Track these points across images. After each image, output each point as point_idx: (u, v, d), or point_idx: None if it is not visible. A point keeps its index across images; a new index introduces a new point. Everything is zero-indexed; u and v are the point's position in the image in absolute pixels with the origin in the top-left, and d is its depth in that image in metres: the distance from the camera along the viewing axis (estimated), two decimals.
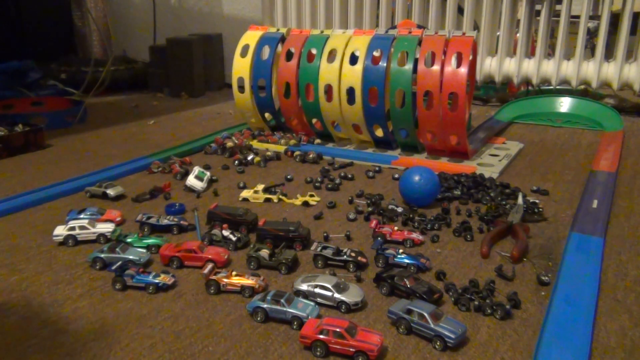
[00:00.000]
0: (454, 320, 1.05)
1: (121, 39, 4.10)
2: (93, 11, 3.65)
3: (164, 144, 2.35)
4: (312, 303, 1.12)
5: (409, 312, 1.04)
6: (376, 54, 2.11)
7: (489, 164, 2.02)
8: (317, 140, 2.32)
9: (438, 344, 1.00)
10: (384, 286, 1.19)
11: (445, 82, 1.93)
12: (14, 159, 2.18)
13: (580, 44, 2.79)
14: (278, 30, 2.39)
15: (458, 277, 1.26)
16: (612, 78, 2.75)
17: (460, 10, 2.98)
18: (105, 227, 1.45)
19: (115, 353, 1.00)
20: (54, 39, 3.89)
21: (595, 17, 3.30)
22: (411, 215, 1.57)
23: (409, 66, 2.00)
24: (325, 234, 1.46)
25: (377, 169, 2.01)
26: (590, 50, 3.29)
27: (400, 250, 1.32)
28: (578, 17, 2.78)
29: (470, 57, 1.95)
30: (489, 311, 1.10)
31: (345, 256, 1.29)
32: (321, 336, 0.99)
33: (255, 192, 1.73)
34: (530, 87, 3.09)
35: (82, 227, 1.43)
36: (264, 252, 1.30)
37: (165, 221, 1.50)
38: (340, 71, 2.12)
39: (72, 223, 1.44)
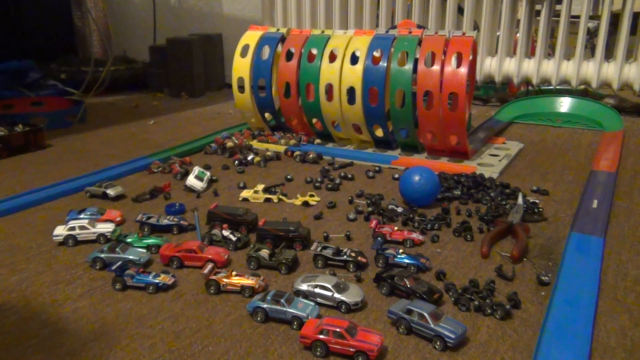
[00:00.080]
0: (454, 320, 1.05)
1: (121, 39, 4.10)
2: (93, 11, 3.65)
3: (164, 144, 2.35)
4: (312, 303, 1.12)
5: (409, 312, 1.04)
6: (376, 54, 2.11)
7: (489, 164, 2.02)
8: (317, 140, 2.32)
9: (438, 344, 1.00)
10: (384, 286, 1.19)
11: (445, 82, 1.93)
12: (14, 159, 2.19)
13: (580, 44, 2.79)
14: (278, 30, 2.39)
15: (458, 277, 1.26)
16: (612, 78, 2.75)
17: (460, 10, 2.98)
18: (105, 227, 1.45)
19: (115, 353, 1.00)
20: (54, 39, 3.89)
21: (595, 17, 3.30)
22: (411, 215, 1.57)
23: (409, 66, 2.00)
24: (325, 234, 1.46)
25: (377, 169, 2.01)
26: (590, 50, 3.29)
27: (400, 250, 1.32)
28: (578, 17, 2.78)
29: (470, 57, 1.95)
30: (489, 311, 1.10)
31: (345, 256, 1.29)
32: (321, 336, 0.99)
33: (255, 192, 1.73)
34: (530, 87, 3.09)
35: (82, 227, 1.43)
36: (264, 252, 1.30)
37: (165, 221, 1.50)
38: (341, 71, 2.12)
39: (72, 223, 1.44)
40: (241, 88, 2.39)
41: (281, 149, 2.23)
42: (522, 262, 1.32)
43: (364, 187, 1.83)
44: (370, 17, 3.16)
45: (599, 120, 2.61)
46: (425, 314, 1.03)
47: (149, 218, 1.51)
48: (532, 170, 2.00)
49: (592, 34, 3.39)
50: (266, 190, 1.73)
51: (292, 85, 2.24)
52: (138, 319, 1.10)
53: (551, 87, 2.97)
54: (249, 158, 2.10)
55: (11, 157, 2.20)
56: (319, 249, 1.32)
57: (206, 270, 1.22)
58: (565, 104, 2.76)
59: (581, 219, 1.53)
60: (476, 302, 1.12)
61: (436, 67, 1.94)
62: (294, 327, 1.07)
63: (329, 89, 2.16)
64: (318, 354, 0.99)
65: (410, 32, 2.09)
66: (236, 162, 2.07)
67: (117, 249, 1.32)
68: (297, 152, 2.15)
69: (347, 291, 1.14)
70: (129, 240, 1.40)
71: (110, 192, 1.73)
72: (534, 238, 1.45)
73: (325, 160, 2.13)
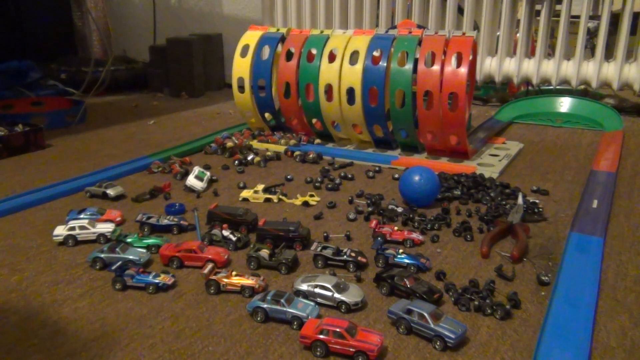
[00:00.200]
0: (454, 320, 1.05)
1: (121, 39, 4.10)
2: (93, 11, 3.65)
3: (164, 144, 2.35)
4: (312, 303, 1.12)
5: (409, 312, 1.04)
6: (376, 54, 2.11)
7: (489, 164, 2.02)
8: (317, 140, 2.32)
9: (438, 344, 1.00)
10: (384, 286, 1.19)
11: (445, 82, 1.93)
12: (14, 159, 2.19)
13: (580, 44, 2.79)
14: (278, 30, 2.39)
15: (458, 277, 1.26)
16: (612, 78, 2.75)
17: (460, 10, 2.98)
18: (105, 227, 1.45)
19: (115, 353, 1.00)
20: (54, 39, 3.89)
21: (595, 17, 3.30)
22: (411, 215, 1.57)
23: (409, 66, 2.00)
24: (325, 234, 1.46)
25: (377, 169, 2.01)
26: (590, 50, 3.29)
27: (400, 250, 1.32)
28: (578, 17, 2.78)
29: (470, 57, 1.95)
30: (489, 311, 1.10)
31: (345, 256, 1.29)
32: (321, 336, 0.99)
33: (255, 192, 1.73)
34: (530, 87, 3.09)
35: (82, 227, 1.43)
36: (264, 252, 1.30)
37: (165, 221, 1.50)
38: (341, 71, 2.12)
39: (72, 223, 1.44)
40: (241, 88, 2.39)
41: (281, 149, 2.23)
42: (522, 262, 1.32)
43: (364, 187, 1.83)
44: (370, 17, 3.16)
45: (599, 120, 2.61)
46: (425, 314, 1.03)
47: (149, 218, 1.51)
48: (532, 170, 2.00)
49: (592, 34, 3.39)
50: (266, 190, 1.73)
51: (292, 85, 2.24)
52: (138, 319, 1.10)
53: (551, 87, 2.97)
54: (249, 158, 2.10)
55: (11, 157, 2.20)
56: (319, 249, 1.32)
57: (206, 270, 1.22)
58: (565, 104, 2.76)
59: (581, 219, 1.53)
60: (476, 302, 1.12)
61: (436, 67, 1.94)
62: (294, 327, 1.07)
63: (329, 89, 2.16)
64: (318, 354, 0.99)
65: (410, 32, 2.09)
66: (236, 162, 2.07)
67: (117, 249, 1.32)
68: (297, 152, 2.15)
69: (347, 291, 1.14)
70: (129, 240, 1.40)
71: (110, 192, 1.73)
72: (534, 238, 1.45)
73: (325, 160, 2.13)
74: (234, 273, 1.21)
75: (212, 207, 1.54)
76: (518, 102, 2.85)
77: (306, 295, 1.15)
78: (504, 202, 1.64)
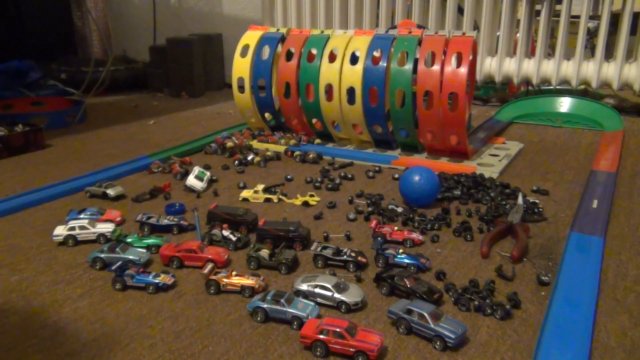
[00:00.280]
0: (454, 320, 1.05)
1: (121, 39, 4.10)
2: (93, 11, 3.65)
3: (164, 144, 2.35)
4: (312, 303, 1.12)
5: (409, 312, 1.04)
6: (376, 54, 2.11)
7: (489, 164, 2.02)
8: (317, 140, 2.32)
9: (438, 344, 1.00)
10: (384, 286, 1.19)
11: (445, 82, 1.93)
12: (14, 159, 2.19)
13: (580, 44, 2.79)
14: (278, 30, 2.39)
15: (458, 277, 1.26)
16: (612, 78, 2.75)
17: (460, 10, 2.98)
18: (105, 227, 1.45)
19: (115, 353, 1.00)
20: (54, 39, 3.89)
21: (595, 17, 3.30)
22: (411, 215, 1.57)
23: (409, 66, 2.00)
24: (325, 234, 1.46)
25: (377, 169, 2.01)
26: (590, 50, 3.29)
27: (400, 250, 1.32)
28: (578, 17, 2.78)
29: (470, 57, 1.95)
30: (489, 311, 1.10)
31: (345, 256, 1.29)
32: (321, 336, 0.99)
33: (255, 192, 1.73)
34: (530, 87, 3.09)
35: (82, 227, 1.43)
36: (264, 252, 1.30)
37: (165, 221, 1.50)
38: (341, 71, 2.12)
39: (72, 223, 1.44)
40: (241, 88, 2.39)
41: (281, 149, 2.23)
42: (522, 262, 1.32)
43: (364, 187, 1.83)
44: (370, 17, 3.16)
45: (599, 120, 2.61)
46: (425, 314, 1.03)
47: (149, 218, 1.51)
48: (532, 170, 2.00)
49: (592, 34, 3.39)
50: (266, 190, 1.73)
51: (292, 85, 2.24)
52: (138, 319, 1.10)
53: (551, 87, 2.97)
54: (249, 158, 2.10)
55: (11, 157, 2.20)
56: (319, 249, 1.32)
57: (206, 270, 1.22)
58: (565, 104, 2.76)
59: (581, 219, 1.53)
60: (476, 302, 1.12)
61: (436, 67, 1.94)
62: (294, 327, 1.07)
63: (329, 89, 2.16)
64: (318, 354, 0.99)
65: (410, 32, 2.09)
66: (236, 162, 2.07)
67: (117, 249, 1.32)
68: (297, 152, 2.15)
69: (347, 291, 1.14)
70: (129, 240, 1.40)
71: (110, 192, 1.73)
72: (534, 238, 1.45)
73: (325, 160, 2.13)
74: (234, 273, 1.21)
75: (212, 207, 1.54)
76: (518, 102, 2.85)
77: (306, 295, 1.15)
78: (504, 202, 1.64)
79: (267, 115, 2.46)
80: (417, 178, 1.64)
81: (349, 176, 1.92)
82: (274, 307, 1.08)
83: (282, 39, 2.35)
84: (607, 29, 2.72)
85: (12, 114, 2.64)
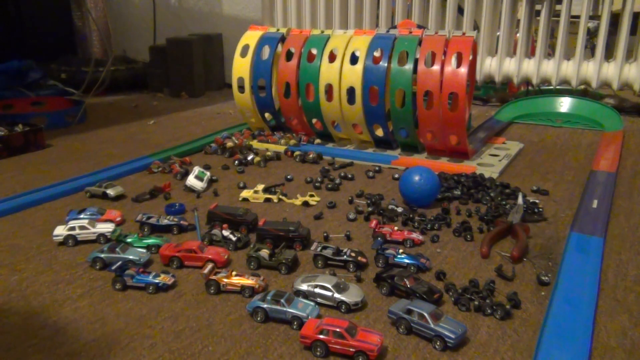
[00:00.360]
0: (454, 320, 1.05)
1: (121, 39, 4.10)
2: (93, 11, 3.65)
3: (164, 144, 2.35)
4: (312, 303, 1.12)
5: (409, 312, 1.04)
6: (376, 54, 2.11)
7: (489, 164, 2.02)
8: (317, 140, 2.32)
9: (438, 344, 1.00)
10: (384, 286, 1.19)
11: (445, 82, 1.93)
12: (14, 159, 2.19)
13: (580, 44, 2.79)
14: (278, 30, 2.39)
15: (458, 277, 1.26)
16: (612, 78, 2.75)
17: (460, 10, 2.98)
18: (105, 227, 1.45)
19: (115, 353, 1.00)
20: (54, 39, 3.89)
21: (595, 17, 3.30)
22: (411, 215, 1.57)
23: (409, 66, 2.00)
24: (325, 234, 1.46)
25: (377, 169, 2.01)
26: (590, 50, 3.29)
27: (400, 250, 1.32)
28: (578, 17, 2.78)
29: (470, 57, 1.95)
30: (489, 311, 1.10)
31: (345, 256, 1.29)
32: (321, 336, 0.99)
33: (255, 192, 1.73)
34: (530, 87, 3.09)
35: (82, 227, 1.43)
36: (264, 252, 1.30)
37: (165, 221, 1.50)
38: (341, 71, 2.12)
39: (72, 223, 1.44)
40: (241, 88, 2.39)
41: (281, 149, 2.23)
42: (522, 262, 1.32)
43: (364, 187, 1.83)
44: (370, 17, 3.16)
45: (599, 120, 2.61)
46: (425, 314, 1.03)
47: (149, 218, 1.51)
48: (532, 170, 2.00)
49: (592, 34, 3.39)
50: (266, 190, 1.73)
51: (292, 85, 2.24)
52: (138, 319, 1.10)
53: (551, 87, 2.96)
54: (249, 158, 2.10)
55: (11, 157, 2.20)
56: (319, 249, 1.32)
57: (206, 270, 1.22)
58: (565, 104, 2.76)
59: (581, 219, 1.53)
60: (476, 302, 1.12)
61: (436, 67, 1.94)
62: (294, 327, 1.07)
63: (329, 89, 2.16)
64: (318, 354, 0.99)
65: (410, 32, 2.09)
66: (236, 162, 2.07)
67: (117, 249, 1.32)
68: (297, 152, 2.15)
69: (347, 291, 1.14)
70: (129, 240, 1.40)
71: (110, 192, 1.73)
72: (534, 238, 1.45)
73: (325, 160, 2.13)
74: (234, 273, 1.21)
75: (212, 207, 1.54)
76: (518, 102, 2.85)
77: (306, 295, 1.15)
78: (504, 202, 1.64)
79: (267, 115, 2.46)
80: (417, 178, 1.64)
81: (349, 176, 1.92)
82: (274, 307, 1.08)
83: (282, 39, 2.35)
84: (607, 29, 2.72)
85: (12, 114, 2.64)
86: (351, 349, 0.98)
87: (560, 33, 2.79)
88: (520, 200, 1.56)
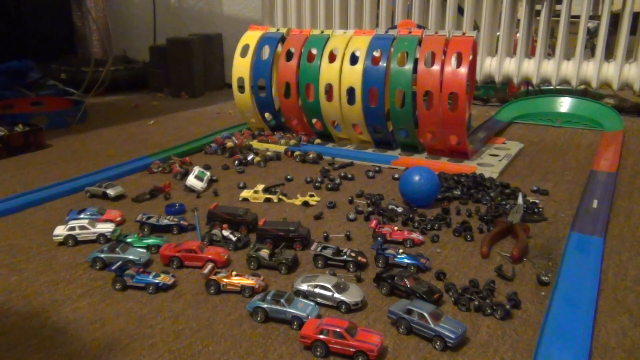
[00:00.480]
0: (454, 320, 1.05)
1: (121, 39, 4.10)
2: (93, 11, 3.65)
3: (164, 144, 2.35)
4: (312, 303, 1.12)
5: (409, 312, 1.04)
6: (376, 54, 2.11)
7: (489, 164, 2.02)
8: (317, 140, 2.32)
9: (438, 344, 1.00)
10: (384, 286, 1.19)
11: (445, 82, 1.93)
12: (14, 159, 2.19)
13: (580, 44, 2.79)
14: (278, 30, 2.39)
15: (458, 277, 1.26)
16: (612, 78, 2.75)
17: (460, 10, 2.98)
18: (105, 227, 1.45)
19: (115, 353, 1.00)
20: (54, 39, 3.89)
21: (595, 17, 3.30)
22: (411, 215, 1.57)
23: (409, 66, 2.00)
24: (325, 234, 1.46)
25: (377, 169, 2.01)
26: (590, 50, 3.29)
27: (400, 250, 1.32)
28: (578, 17, 2.78)
29: (470, 57, 1.95)
30: (489, 311, 1.10)
31: (345, 256, 1.29)
32: (321, 336, 0.99)
33: (255, 192, 1.73)
34: (530, 87, 3.09)
35: (82, 227, 1.43)
36: (264, 252, 1.30)
37: (165, 221, 1.50)
38: (341, 71, 2.12)
39: (72, 223, 1.44)
40: (241, 88, 2.39)
41: (281, 149, 2.23)
42: (522, 262, 1.32)
43: (364, 187, 1.83)
44: (370, 17, 3.16)
45: (599, 120, 2.61)
46: (425, 314, 1.03)
47: (149, 218, 1.51)
48: (532, 170, 2.00)
49: (592, 34, 3.39)
50: (266, 190, 1.73)
51: (292, 85, 2.24)
52: (138, 319, 1.10)
53: (551, 87, 2.96)
54: (249, 158, 2.10)
55: (11, 157, 2.20)
56: (319, 249, 1.32)
57: (206, 270, 1.22)
58: (565, 104, 2.76)
59: (581, 219, 1.53)
60: (476, 302, 1.12)
61: (436, 67, 1.94)
62: (294, 327, 1.07)
63: (329, 89, 2.16)
64: (318, 354, 0.99)
65: (410, 32, 2.09)
66: (236, 162, 2.07)
67: (117, 249, 1.32)
68: (297, 152, 2.15)
69: (347, 291, 1.14)
70: (129, 240, 1.40)
71: (110, 192, 1.73)
72: (534, 238, 1.45)
73: (325, 160, 2.13)
74: (234, 273, 1.21)
75: (212, 207, 1.54)
76: (518, 102, 2.85)
77: (306, 295, 1.15)
78: (504, 202, 1.64)
79: (267, 115, 2.46)
80: (417, 178, 1.64)
81: (349, 176, 1.92)
82: (274, 307, 1.08)
83: (282, 39, 2.35)
84: (607, 29, 2.72)
85: (12, 114, 2.64)
86: (351, 349, 0.98)
87: (560, 33, 2.79)
88: (520, 200, 1.56)
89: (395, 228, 1.46)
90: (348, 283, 1.18)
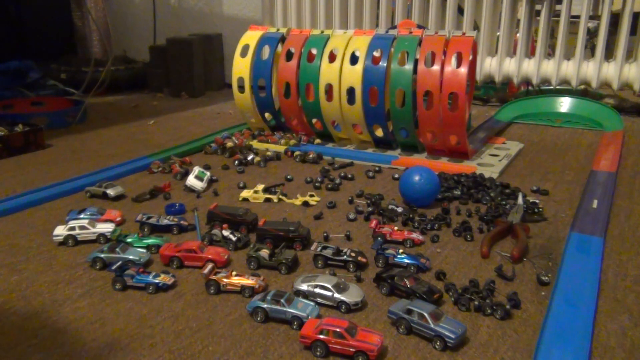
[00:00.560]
0: (454, 320, 1.05)
1: (121, 39, 4.10)
2: (93, 11, 3.65)
3: (164, 144, 2.35)
4: (312, 303, 1.12)
5: (409, 312, 1.04)
6: (376, 54, 2.11)
7: (489, 164, 2.02)
8: (317, 140, 2.32)
9: (438, 344, 1.00)
10: (384, 286, 1.19)
11: (445, 82, 1.93)
12: (14, 159, 2.18)
13: (580, 44, 2.79)
14: (278, 30, 2.39)
15: (458, 277, 1.26)
16: (612, 78, 2.75)
17: (460, 10, 2.98)
18: (105, 227, 1.45)
19: (115, 353, 1.00)
20: (54, 39, 3.89)
21: (595, 17, 3.30)
22: (411, 215, 1.57)
23: (409, 66, 2.00)
24: (325, 234, 1.46)
25: (377, 169, 2.01)
26: (590, 50, 3.29)
27: (400, 250, 1.32)
28: (578, 17, 2.78)
29: (470, 57, 1.95)
30: (489, 311, 1.10)
31: (345, 256, 1.29)
32: (321, 336, 0.99)
33: (255, 192, 1.73)
34: (530, 87, 3.09)
35: (82, 227, 1.43)
36: (264, 252, 1.30)
37: (165, 221, 1.50)
38: (341, 71, 2.12)
39: (72, 223, 1.44)
40: (241, 88, 2.39)
41: (281, 149, 2.23)
42: (522, 262, 1.32)
43: (364, 187, 1.83)
44: (370, 17, 3.16)
45: (599, 120, 2.61)
46: (425, 314, 1.03)
47: (149, 218, 1.51)
48: (532, 170, 2.00)
49: (592, 34, 3.39)
50: (266, 190, 1.73)
51: (292, 85, 2.24)
52: (138, 319, 1.10)
53: (551, 87, 2.96)
54: (249, 158, 2.10)
55: (11, 157, 2.20)
56: (319, 249, 1.32)
57: (206, 270, 1.22)
58: (565, 104, 2.76)
59: (581, 219, 1.53)
60: (476, 302, 1.12)
61: (436, 67, 1.94)
62: (294, 327, 1.07)
63: (329, 89, 2.16)
64: (318, 354, 0.99)
65: (410, 32, 2.09)
66: (236, 162, 2.07)
67: (117, 249, 1.32)
68: (297, 152, 2.15)
69: (347, 291, 1.14)
70: (129, 240, 1.40)
71: (110, 192, 1.73)
72: (534, 238, 1.45)
73: (325, 160, 2.13)
74: (234, 273, 1.21)
75: (212, 207, 1.54)
76: (518, 102, 2.85)
77: (306, 295, 1.15)
78: (504, 202, 1.64)
79: (267, 115, 2.46)
80: (417, 178, 1.64)
81: (349, 176, 1.92)
82: (274, 307, 1.08)
83: (282, 39, 2.35)
84: (607, 29, 2.72)
85: (12, 114, 2.64)
86: (351, 349, 0.98)
87: (560, 33, 2.79)
88: (520, 200, 1.56)
89: (395, 228, 1.46)
90: (348, 283, 1.18)
